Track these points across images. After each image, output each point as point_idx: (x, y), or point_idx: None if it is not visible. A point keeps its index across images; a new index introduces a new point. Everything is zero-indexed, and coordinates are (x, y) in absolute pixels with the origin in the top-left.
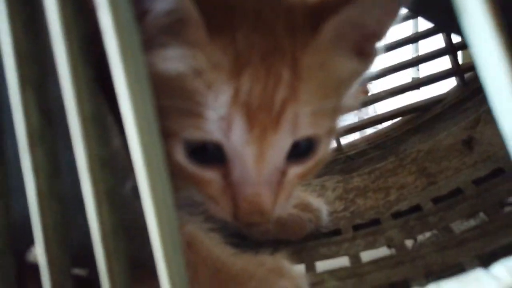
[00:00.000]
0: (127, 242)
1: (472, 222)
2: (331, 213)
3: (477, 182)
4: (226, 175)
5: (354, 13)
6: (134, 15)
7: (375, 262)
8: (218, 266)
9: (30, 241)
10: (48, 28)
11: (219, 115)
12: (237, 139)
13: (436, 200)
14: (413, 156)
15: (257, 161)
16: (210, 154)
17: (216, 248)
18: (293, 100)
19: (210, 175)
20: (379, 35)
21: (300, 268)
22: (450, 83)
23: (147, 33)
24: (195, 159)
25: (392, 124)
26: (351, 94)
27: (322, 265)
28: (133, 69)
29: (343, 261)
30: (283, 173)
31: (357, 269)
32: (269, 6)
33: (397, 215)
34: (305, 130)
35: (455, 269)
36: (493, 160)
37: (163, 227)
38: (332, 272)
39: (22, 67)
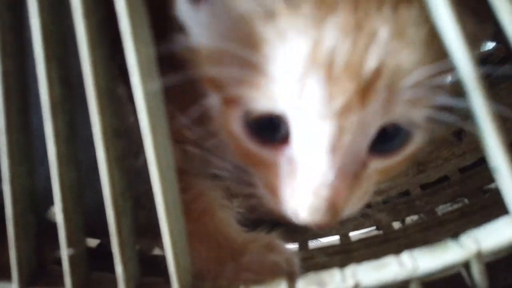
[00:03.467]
0: (133, 203)
1: (455, 206)
2: None
3: (462, 170)
4: (291, 159)
5: None
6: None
7: (362, 240)
8: (220, 240)
9: (48, 204)
10: (71, 11)
11: (289, 76)
12: (310, 111)
13: (424, 187)
14: None
15: (333, 143)
16: (274, 130)
17: (225, 222)
18: (391, 66)
19: (270, 156)
20: None
21: (294, 246)
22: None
23: None
24: (256, 134)
25: None
26: None
27: (314, 244)
28: (143, 43)
29: (333, 240)
30: (363, 165)
31: (345, 246)
32: None
33: (386, 200)
34: (401, 111)
35: None
36: (479, 150)
37: (165, 187)
38: (321, 249)
39: (47, 44)
